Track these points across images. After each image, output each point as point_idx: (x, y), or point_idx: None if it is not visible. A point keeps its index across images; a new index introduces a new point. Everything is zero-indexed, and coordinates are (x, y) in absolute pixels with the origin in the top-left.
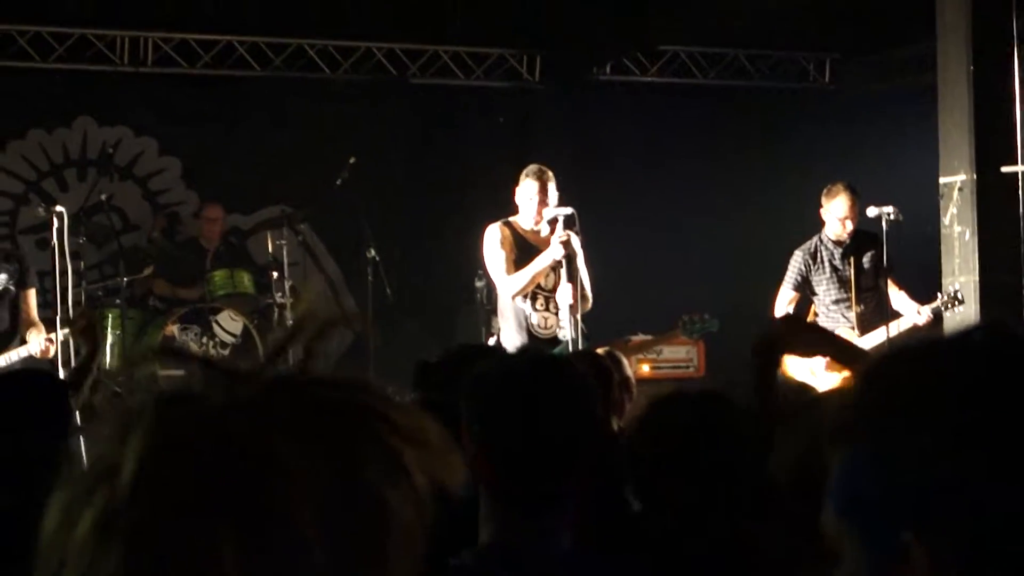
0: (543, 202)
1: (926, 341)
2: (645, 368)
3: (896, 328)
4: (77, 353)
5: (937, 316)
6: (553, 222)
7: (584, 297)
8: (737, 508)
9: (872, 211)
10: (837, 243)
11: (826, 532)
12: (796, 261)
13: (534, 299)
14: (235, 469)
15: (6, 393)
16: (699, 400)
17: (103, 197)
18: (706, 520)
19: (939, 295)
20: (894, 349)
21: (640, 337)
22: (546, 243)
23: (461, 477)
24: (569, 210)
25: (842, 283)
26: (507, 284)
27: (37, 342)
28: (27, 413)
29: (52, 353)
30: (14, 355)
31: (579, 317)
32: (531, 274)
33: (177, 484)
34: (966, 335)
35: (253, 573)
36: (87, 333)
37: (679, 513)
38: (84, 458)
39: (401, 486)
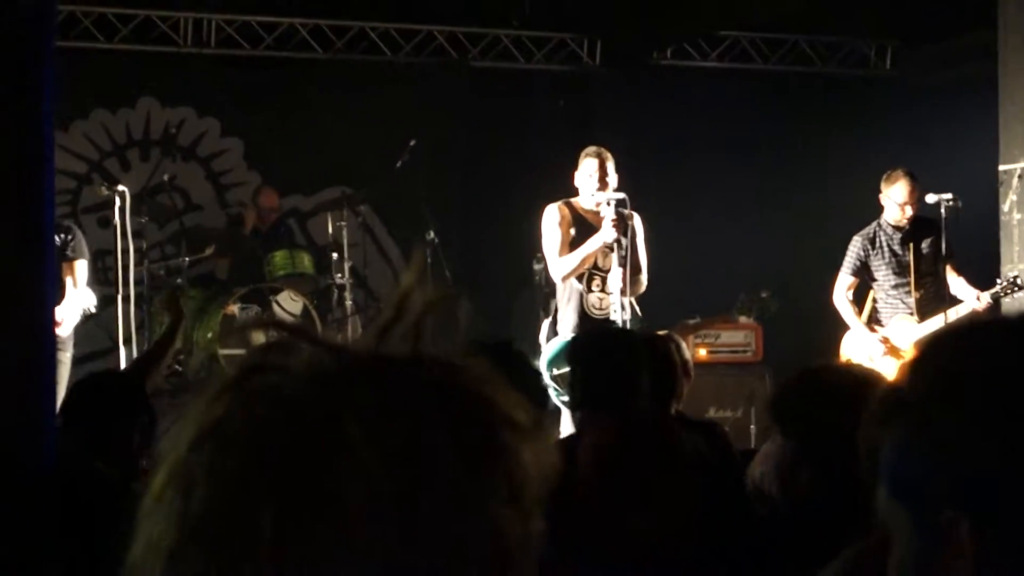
0: (603, 180)
1: (973, 325)
2: (702, 352)
3: (955, 314)
4: (140, 328)
5: (996, 302)
6: (605, 205)
7: (637, 281)
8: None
9: (931, 198)
10: (896, 228)
11: (879, 514)
12: (855, 246)
13: (590, 280)
14: (289, 446)
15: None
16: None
17: (165, 177)
18: None
19: (998, 281)
20: (941, 334)
21: (697, 319)
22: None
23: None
24: (621, 195)
25: (901, 268)
26: (558, 265)
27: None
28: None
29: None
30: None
31: (631, 300)
32: (581, 256)
33: (232, 454)
34: (1013, 320)
35: (287, 562)
36: (173, 307)
37: None
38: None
39: (501, 494)
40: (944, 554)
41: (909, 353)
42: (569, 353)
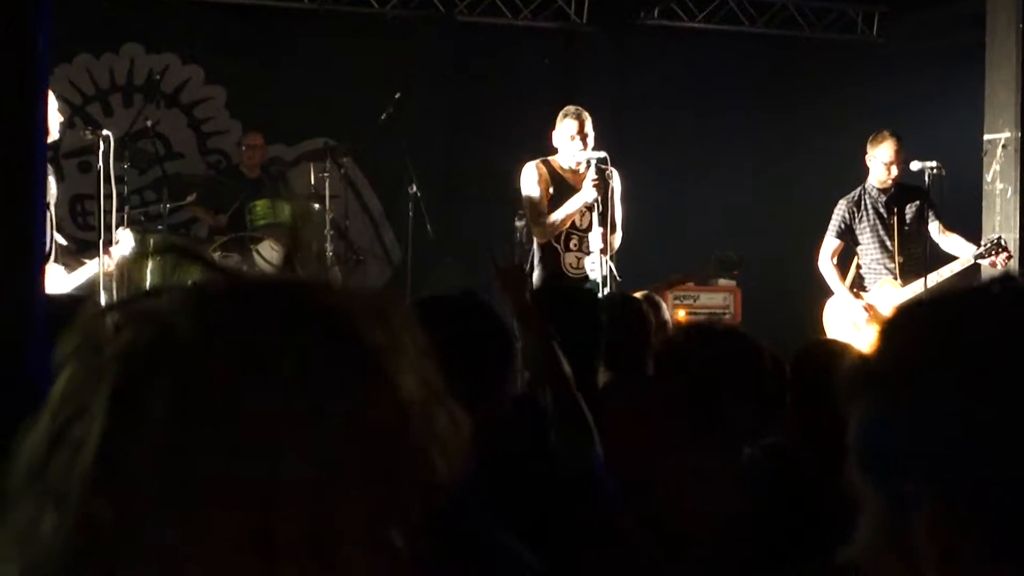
0: (584, 142)
1: (943, 295)
2: (681, 314)
3: (936, 278)
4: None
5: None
6: (586, 164)
7: (611, 239)
8: None
9: (915, 165)
10: (882, 191)
11: (849, 486)
12: (840, 209)
13: (568, 239)
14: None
15: None
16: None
17: (148, 123)
18: None
19: (982, 243)
20: (911, 304)
21: (671, 277)
22: (582, 183)
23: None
24: (602, 153)
25: (886, 231)
26: (540, 225)
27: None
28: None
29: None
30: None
31: (609, 259)
32: (563, 215)
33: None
34: (984, 287)
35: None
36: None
37: None
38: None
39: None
40: (912, 529)
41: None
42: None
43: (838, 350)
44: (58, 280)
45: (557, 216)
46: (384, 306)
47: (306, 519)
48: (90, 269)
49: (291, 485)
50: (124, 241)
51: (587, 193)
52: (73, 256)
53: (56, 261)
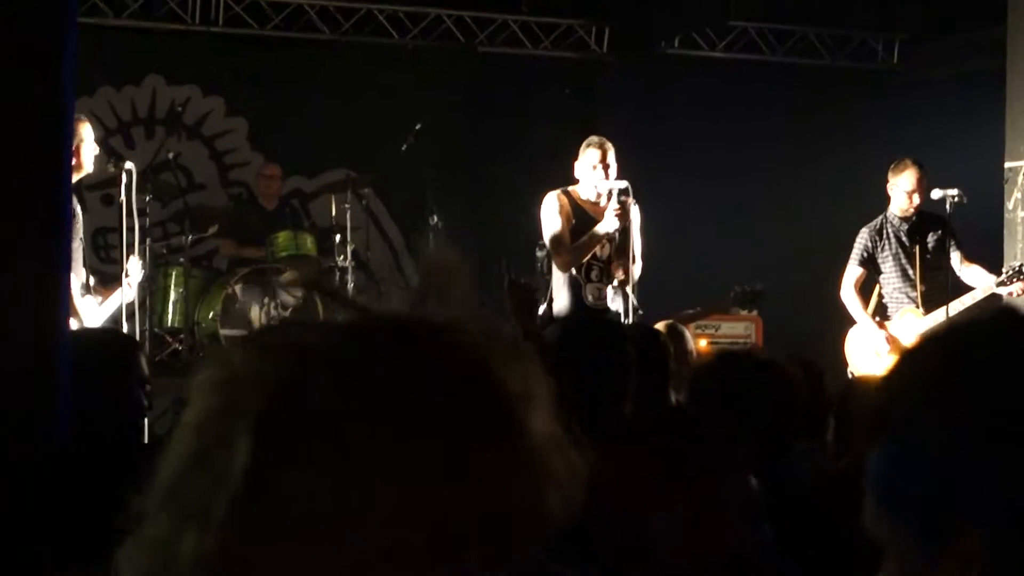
0: (605, 172)
1: (953, 328)
2: (703, 343)
3: (959, 306)
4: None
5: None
6: (608, 195)
7: (632, 266)
8: None
9: (936, 193)
10: (903, 219)
11: (868, 529)
12: (862, 238)
13: (588, 270)
14: (280, 386)
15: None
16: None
17: (170, 155)
18: None
19: (1004, 270)
20: (923, 340)
21: (697, 310)
22: (603, 213)
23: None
24: (623, 183)
25: (908, 260)
26: (563, 255)
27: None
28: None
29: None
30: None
31: (630, 290)
32: (585, 246)
33: (233, 391)
34: (991, 320)
35: (259, 489)
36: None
37: None
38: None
39: (499, 457)
40: (948, 568)
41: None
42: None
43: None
44: (91, 312)
45: (579, 246)
46: (519, 351)
47: (428, 555)
48: (117, 300)
49: (421, 519)
50: (134, 269)
51: (609, 223)
52: (96, 289)
53: (88, 294)
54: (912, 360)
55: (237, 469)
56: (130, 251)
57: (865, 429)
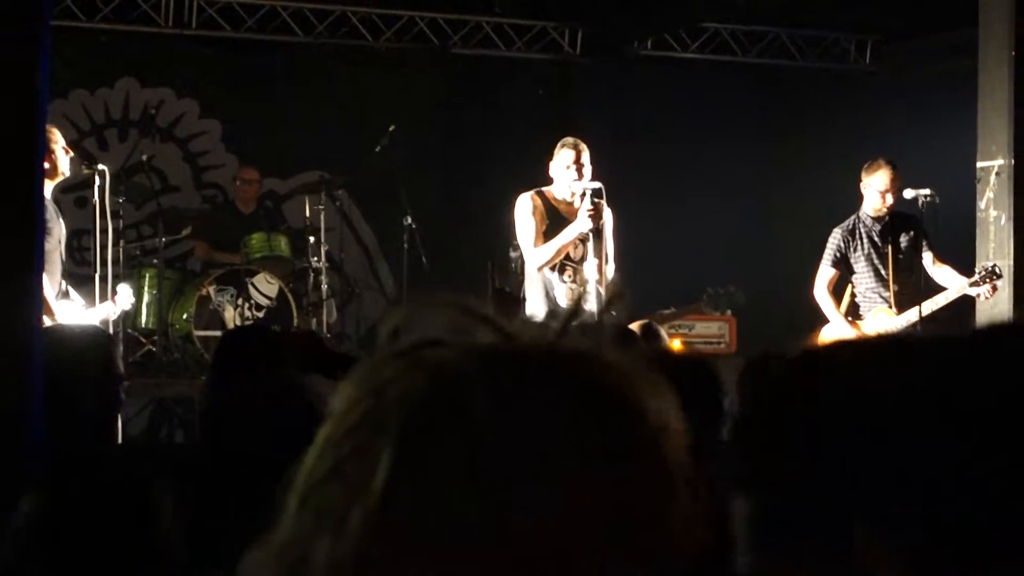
0: (580, 172)
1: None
2: (676, 344)
3: (931, 306)
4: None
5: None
6: (581, 195)
7: (605, 265)
8: None
9: (909, 193)
10: (876, 220)
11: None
12: (834, 238)
13: (561, 270)
14: (426, 409)
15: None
16: None
17: (144, 157)
18: None
19: (976, 271)
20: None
21: (668, 311)
22: (577, 214)
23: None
24: (597, 184)
25: (881, 260)
26: (534, 255)
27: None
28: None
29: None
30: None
31: (603, 290)
32: (558, 246)
33: (381, 406)
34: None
35: (391, 507)
36: None
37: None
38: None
39: (637, 489)
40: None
41: None
42: None
43: None
44: (70, 314)
45: (551, 246)
46: (659, 385)
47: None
48: (100, 314)
49: (557, 556)
50: (123, 295)
51: (582, 223)
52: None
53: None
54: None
55: (377, 481)
56: (109, 255)
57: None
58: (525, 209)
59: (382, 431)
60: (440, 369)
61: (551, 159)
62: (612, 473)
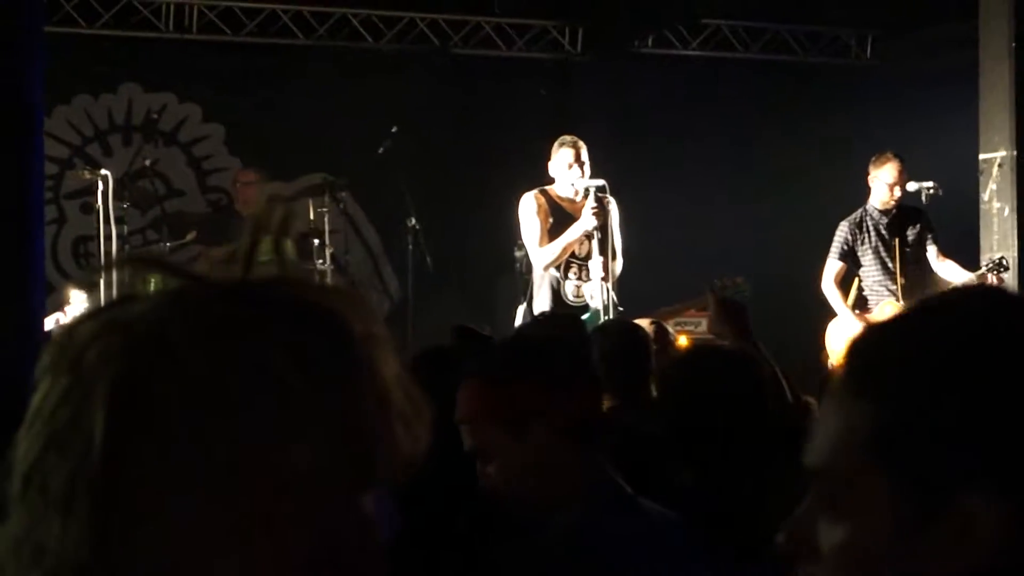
0: (581, 170)
1: (950, 293)
2: (683, 340)
3: None
4: None
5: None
6: (585, 193)
7: (612, 267)
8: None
9: (912, 186)
10: (883, 213)
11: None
12: (842, 231)
13: (567, 268)
14: (124, 365)
15: None
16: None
17: (147, 162)
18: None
19: (983, 263)
20: (904, 312)
21: (677, 307)
22: (581, 211)
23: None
24: (600, 181)
25: (888, 252)
26: (539, 255)
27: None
28: None
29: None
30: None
31: (610, 287)
32: (563, 245)
33: (80, 372)
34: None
35: (118, 475)
36: None
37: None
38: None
39: (350, 405)
40: (943, 532)
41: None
42: None
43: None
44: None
45: (557, 245)
46: (358, 296)
47: (300, 495)
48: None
49: (291, 469)
50: (75, 301)
51: (586, 221)
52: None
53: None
54: (908, 319)
55: (96, 446)
56: (108, 258)
57: (854, 381)
58: (529, 208)
59: (91, 396)
60: (134, 324)
61: (550, 159)
62: (331, 385)
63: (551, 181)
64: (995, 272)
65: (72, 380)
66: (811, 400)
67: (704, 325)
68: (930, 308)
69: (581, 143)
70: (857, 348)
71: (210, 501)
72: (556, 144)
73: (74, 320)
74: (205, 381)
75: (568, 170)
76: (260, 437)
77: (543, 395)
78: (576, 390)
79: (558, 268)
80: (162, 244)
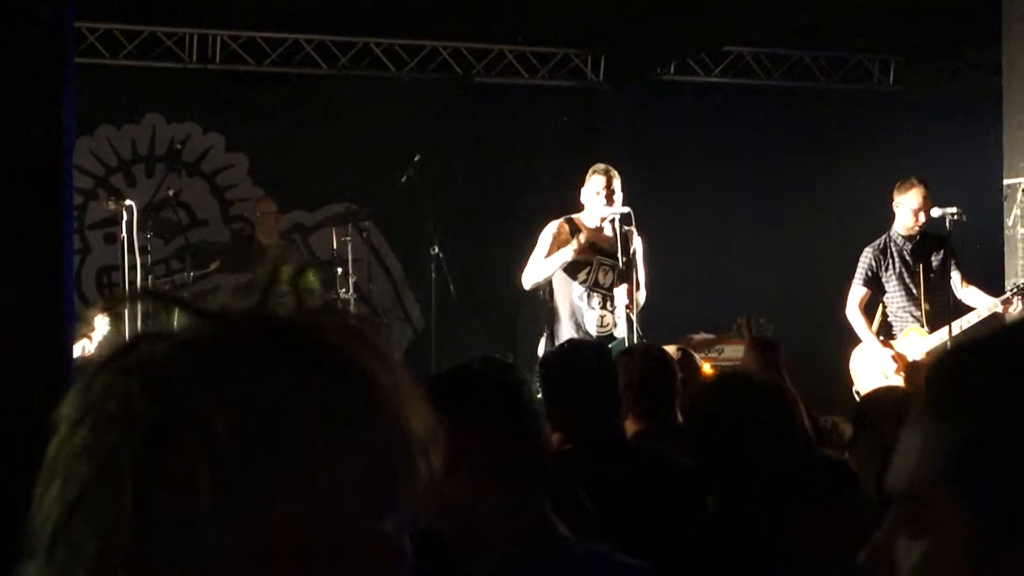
0: (610, 197)
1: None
2: (706, 367)
3: (964, 324)
4: None
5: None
6: (611, 221)
7: (636, 293)
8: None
9: (936, 211)
10: (907, 238)
11: (914, 510)
12: (866, 257)
13: (590, 298)
14: (152, 423)
15: None
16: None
17: (170, 192)
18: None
19: (1008, 289)
20: (983, 335)
21: (701, 336)
22: (607, 241)
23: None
24: (626, 209)
25: (912, 278)
26: (525, 275)
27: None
28: None
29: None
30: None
31: (634, 316)
32: (544, 265)
33: (106, 429)
34: None
35: (149, 541)
36: None
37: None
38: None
39: (377, 452)
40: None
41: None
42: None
43: (902, 396)
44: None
45: (543, 269)
46: (379, 343)
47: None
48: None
49: (323, 530)
50: (100, 328)
51: (566, 254)
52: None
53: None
54: (989, 342)
55: (127, 515)
56: (132, 289)
57: (934, 405)
58: (547, 233)
59: (116, 455)
60: (151, 371)
61: (582, 185)
62: (353, 435)
63: (580, 208)
64: (1021, 297)
65: (93, 432)
66: (837, 420)
67: (728, 351)
68: (1011, 330)
69: (614, 172)
70: (937, 371)
71: (243, 571)
72: (590, 171)
73: (93, 366)
74: (232, 450)
75: (595, 197)
76: (291, 506)
77: (470, 438)
78: (507, 434)
79: (580, 297)
80: (186, 274)
